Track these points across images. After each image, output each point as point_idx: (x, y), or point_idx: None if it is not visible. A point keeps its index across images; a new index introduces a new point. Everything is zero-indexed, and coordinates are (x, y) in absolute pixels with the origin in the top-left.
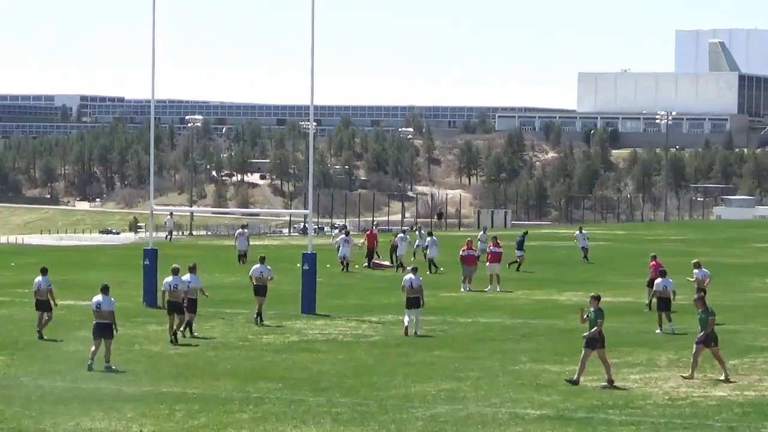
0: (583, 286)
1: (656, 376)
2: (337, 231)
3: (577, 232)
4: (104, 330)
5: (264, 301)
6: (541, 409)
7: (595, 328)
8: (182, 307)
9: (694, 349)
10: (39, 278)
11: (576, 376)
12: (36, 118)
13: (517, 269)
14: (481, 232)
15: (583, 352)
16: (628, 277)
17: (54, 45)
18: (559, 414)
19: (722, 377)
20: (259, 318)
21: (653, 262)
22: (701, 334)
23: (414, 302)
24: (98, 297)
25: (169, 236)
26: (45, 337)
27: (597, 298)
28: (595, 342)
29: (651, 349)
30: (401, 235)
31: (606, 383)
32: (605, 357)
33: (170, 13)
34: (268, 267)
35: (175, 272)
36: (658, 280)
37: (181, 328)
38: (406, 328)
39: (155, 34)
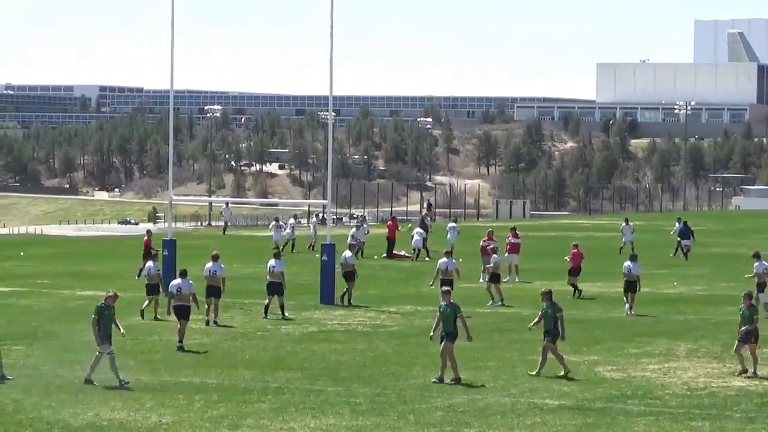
0: (601, 276)
1: (675, 366)
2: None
3: (679, 225)
4: (184, 311)
5: (353, 285)
6: (560, 399)
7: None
8: (220, 290)
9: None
10: (210, 264)
11: (440, 373)
12: (55, 109)
13: (685, 257)
14: (624, 223)
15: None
16: (646, 267)
17: (73, 35)
18: (577, 404)
19: (561, 373)
20: (346, 298)
21: (574, 251)
22: (549, 329)
23: (447, 284)
24: (178, 281)
25: (225, 227)
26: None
27: (448, 293)
28: (449, 336)
29: (669, 339)
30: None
31: (452, 380)
32: (447, 352)
33: (189, 3)
34: (352, 254)
35: (215, 258)
36: (626, 263)
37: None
38: None
39: (174, 25)
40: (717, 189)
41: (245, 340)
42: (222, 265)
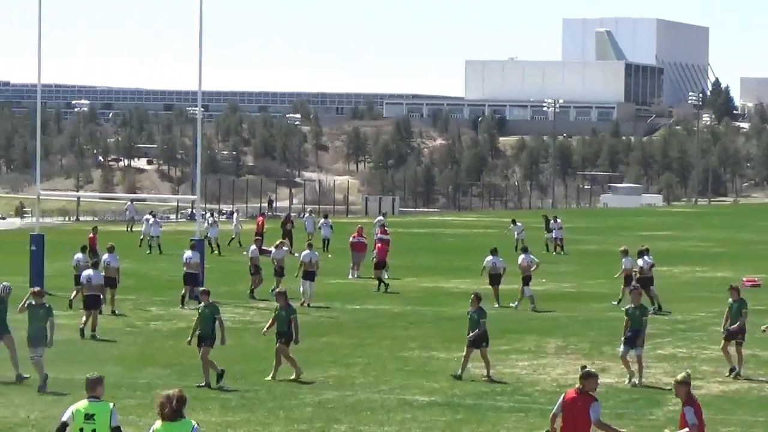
0: (470, 273)
1: (544, 362)
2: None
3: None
4: (95, 301)
5: (258, 279)
6: (430, 395)
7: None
8: (115, 281)
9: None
10: (106, 255)
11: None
12: None
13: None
14: (552, 221)
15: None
16: (514, 264)
17: None
18: (447, 400)
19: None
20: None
21: (379, 245)
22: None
23: (310, 275)
24: (89, 272)
25: (132, 224)
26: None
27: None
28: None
29: (539, 336)
30: (324, 220)
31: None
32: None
33: None
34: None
35: (111, 250)
36: (488, 257)
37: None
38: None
39: (41, 17)
40: (585, 187)
41: (114, 335)
42: (116, 257)
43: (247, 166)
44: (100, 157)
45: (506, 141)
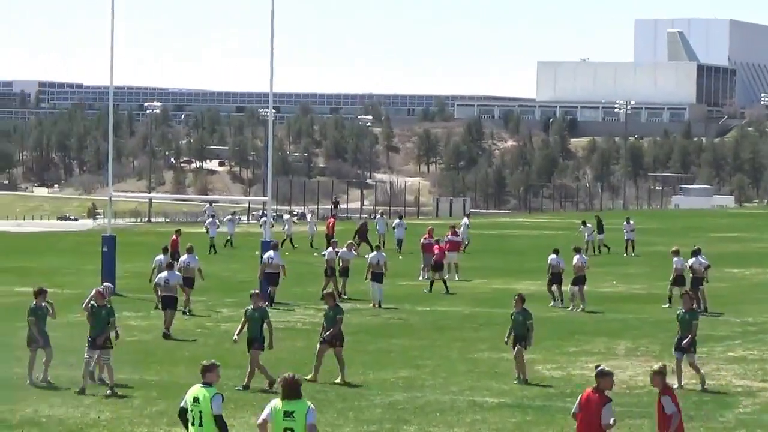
0: (541, 274)
1: (614, 364)
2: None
3: (625, 223)
4: (172, 302)
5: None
6: (499, 397)
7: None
8: (193, 281)
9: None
10: (185, 256)
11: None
12: None
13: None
14: (625, 222)
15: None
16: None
17: (12, 30)
18: (517, 402)
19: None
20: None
21: (439, 246)
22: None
23: (378, 277)
24: (164, 273)
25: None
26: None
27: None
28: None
29: (609, 338)
30: (398, 221)
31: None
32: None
33: None
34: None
35: (190, 251)
36: (552, 256)
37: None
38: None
39: (114, 20)
40: (657, 188)
41: (185, 337)
42: (196, 257)
43: (319, 167)
44: (172, 159)
45: (577, 142)
